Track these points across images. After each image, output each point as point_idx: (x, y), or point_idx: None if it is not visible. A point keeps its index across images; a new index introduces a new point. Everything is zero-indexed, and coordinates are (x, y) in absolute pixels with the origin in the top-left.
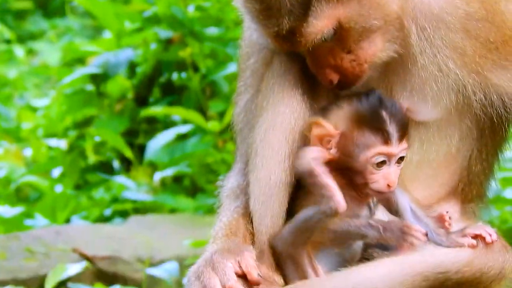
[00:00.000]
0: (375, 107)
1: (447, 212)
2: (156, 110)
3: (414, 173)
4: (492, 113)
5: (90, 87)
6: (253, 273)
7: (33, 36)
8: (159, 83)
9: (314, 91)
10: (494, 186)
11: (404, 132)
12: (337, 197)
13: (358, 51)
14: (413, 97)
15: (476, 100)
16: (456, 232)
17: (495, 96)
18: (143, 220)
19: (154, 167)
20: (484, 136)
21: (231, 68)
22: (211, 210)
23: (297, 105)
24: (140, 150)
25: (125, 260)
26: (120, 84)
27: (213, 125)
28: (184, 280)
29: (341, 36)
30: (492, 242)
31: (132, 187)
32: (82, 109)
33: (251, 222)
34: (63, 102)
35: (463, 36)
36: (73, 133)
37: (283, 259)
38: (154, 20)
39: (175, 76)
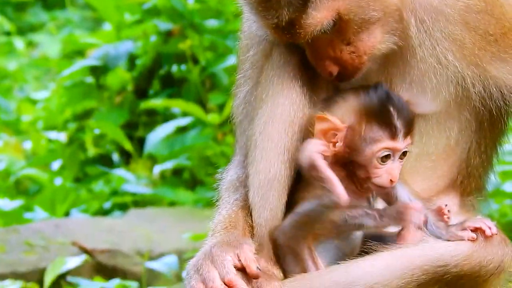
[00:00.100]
0: (384, 102)
1: (446, 205)
2: (156, 102)
3: (413, 166)
4: (491, 105)
5: (89, 80)
6: (252, 266)
7: (33, 28)
8: (159, 75)
9: (313, 83)
10: (493, 179)
11: (410, 128)
12: (339, 190)
13: (357, 42)
14: (412, 89)
15: (475, 93)
16: (455, 225)
17: (494, 89)
18: (142, 213)
19: (153, 159)
20: (483, 128)
21: (231, 60)
22: (210, 203)
23: (296, 97)
24: (140, 143)
25: (124, 253)
26: (120, 76)
27: (213, 118)
28: (184, 274)
29: (341, 28)
30: (492, 235)
31: (131, 180)
32: (82, 101)
33: (251, 215)
34: (63, 95)
35: (462, 28)
36: (72, 126)
37: (283, 252)
38: (154, 12)
39: (174, 68)
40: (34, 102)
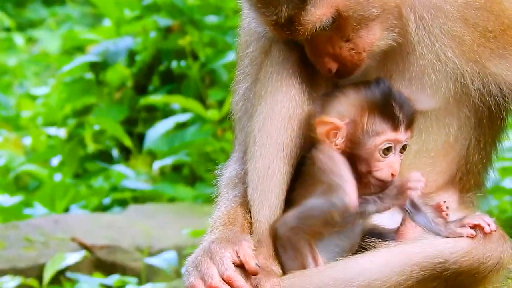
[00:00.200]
0: (386, 94)
1: (444, 201)
2: (156, 98)
3: (412, 162)
4: (490, 102)
5: (89, 76)
6: (251, 263)
7: (33, 24)
8: (159, 71)
9: (312, 79)
10: (493, 176)
11: (411, 121)
12: (352, 193)
13: (356, 39)
14: (412, 86)
15: (474, 89)
16: (454, 222)
17: (493, 85)
18: (142, 209)
19: (153, 156)
20: (482, 125)
21: (231, 56)
22: (210, 199)
23: (295, 94)
24: (139, 139)
25: (124, 249)
26: (120, 72)
27: (212, 114)
28: (183, 270)
29: (340, 25)
30: (491, 232)
31: (131, 176)
32: (82, 97)
33: (249, 211)
34: (63, 91)
35: (462, 25)
36: (72, 122)
37: (283, 245)
38: (154, 8)
39: (174, 64)
40: (33, 98)
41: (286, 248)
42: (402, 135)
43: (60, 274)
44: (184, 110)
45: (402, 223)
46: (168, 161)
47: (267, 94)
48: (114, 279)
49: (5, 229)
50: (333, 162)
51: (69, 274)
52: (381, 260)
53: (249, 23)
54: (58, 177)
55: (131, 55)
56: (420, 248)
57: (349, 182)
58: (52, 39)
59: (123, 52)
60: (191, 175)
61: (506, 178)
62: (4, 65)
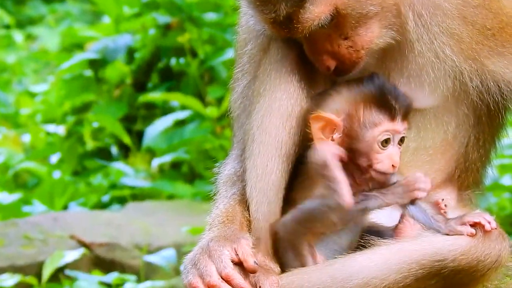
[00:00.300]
0: (380, 86)
1: (442, 199)
2: (155, 96)
3: (410, 160)
4: (488, 100)
5: (88, 73)
6: (250, 261)
7: (32, 21)
8: (158, 68)
9: (311, 77)
10: (492, 173)
11: (407, 111)
12: (346, 193)
13: (355, 37)
14: (410, 83)
15: (472, 87)
16: (455, 219)
17: (491, 83)
18: (141, 206)
19: (152, 153)
20: (481, 123)
21: (230, 54)
22: (209, 197)
23: (294, 91)
24: (138, 136)
25: (122, 247)
26: (119, 69)
27: (212, 111)
28: (182, 267)
29: (338, 23)
30: (491, 230)
31: (130, 173)
32: (81, 94)
33: (248, 209)
34: (62, 88)
35: (460, 23)
36: (71, 119)
37: (283, 245)
38: (153, 5)
39: (173, 61)
40: (33, 95)
41: (286, 249)
42: (399, 125)
43: (59, 272)
44: (183, 108)
45: (400, 220)
46: (167, 158)
47: (265, 91)
48: (113, 276)
49: (4, 227)
50: (324, 163)
51: (68, 271)
52: (379, 258)
53: (248, 21)
54: (57, 174)
55: (130, 52)
56: (419, 246)
57: (342, 183)
58: (52, 36)
59: (122, 49)
60: (190, 173)
61: (505, 175)
62: (3, 62)
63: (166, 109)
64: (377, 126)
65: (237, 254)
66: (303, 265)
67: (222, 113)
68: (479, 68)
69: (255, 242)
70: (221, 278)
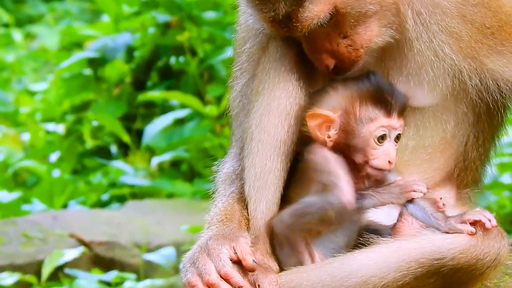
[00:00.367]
0: (376, 83)
1: (440, 198)
2: (154, 94)
3: (409, 159)
4: (488, 98)
5: (88, 71)
6: (248, 259)
7: (32, 20)
8: (157, 67)
9: (310, 76)
10: (491, 171)
11: (403, 107)
12: (347, 191)
13: (354, 36)
14: (409, 82)
15: (471, 85)
16: (455, 217)
17: (490, 81)
18: (140, 205)
19: (151, 152)
20: (480, 121)
21: (229, 52)
22: (208, 195)
23: (293, 90)
24: (138, 135)
25: (122, 245)
26: (118, 68)
27: (211, 110)
28: (181, 266)
29: (337, 21)
30: (492, 227)
31: (129, 172)
32: (80, 93)
33: (247, 207)
34: (61, 86)
35: (459, 21)
36: (70, 118)
37: (279, 241)
38: (152, 4)
39: (173, 60)
40: (32, 94)
41: (282, 245)
42: (395, 121)
43: (58, 270)
44: (183, 106)
45: (399, 219)
46: (166, 157)
47: (264, 90)
48: (112, 275)
49: (4, 225)
50: (326, 161)
51: (67, 270)
52: (379, 256)
53: (247, 20)
54: (56, 173)
55: (130, 51)
56: (418, 244)
57: (344, 180)
58: (51, 35)
59: (122, 48)
60: (190, 171)
61: (505, 173)
62: (3, 61)
63: (165, 108)
64: (373, 122)
65: (236, 253)
66: (299, 262)
67: (221, 112)
68: (478, 67)
69: (253, 240)
70: (220, 276)
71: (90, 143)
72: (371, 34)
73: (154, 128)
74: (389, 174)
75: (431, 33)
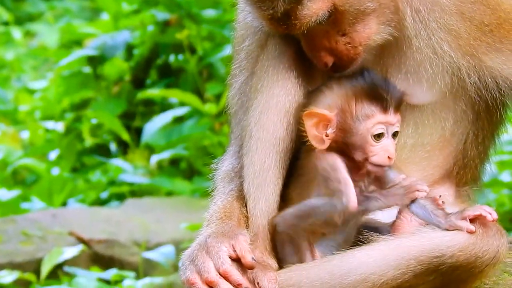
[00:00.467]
0: (371, 80)
1: (440, 196)
2: (153, 92)
3: (408, 156)
4: (486, 96)
5: (87, 69)
6: (247, 257)
7: (31, 18)
8: (156, 65)
9: (308, 73)
10: (491, 169)
11: (399, 102)
12: (352, 195)
13: (353, 33)
14: (408, 79)
15: (470, 83)
16: (455, 214)
17: (489, 79)
18: (139, 203)
19: (151, 149)
20: (479, 119)
21: (228, 50)
22: (207, 193)
23: (291, 88)
24: (137, 133)
25: (121, 243)
26: (117, 66)
27: (210, 108)
28: (180, 264)
29: (336, 19)
30: (494, 220)
31: (128, 170)
32: (79, 91)
33: (246, 205)
34: (60, 84)
35: (458, 19)
36: (70, 116)
37: (282, 240)
38: (152, 2)
39: (172, 58)
40: (31, 92)
41: (284, 244)
42: (392, 117)
43: (57, 269)
44: (182, 104)
45: (398, 217)
46: (165, 155)
47: (263, 88)
48: (111, 273)
49: (3, 223)
50: (334, 168)
51: (66, 268)
52: (378, 254)
53: (245, 17)
54: (55, 171)
55: (129, 49)
56: (417, 242)
57: (349, 185)
58: (50, 33)
59: (121, 46)
60: (189, 169)
61: (504, 171)
62: (2, 58)
63: (164, 106)
64: (370, 118)
65: (235, 250)
66: (301, 261)
67: (220, 110)
68: (477, 64)
69: (252, 238)
70: (219, 274)
71: (89, 141)
72: (370, 32)
73: (153, 126)
74: (391, 173)
75: (430, 31)
